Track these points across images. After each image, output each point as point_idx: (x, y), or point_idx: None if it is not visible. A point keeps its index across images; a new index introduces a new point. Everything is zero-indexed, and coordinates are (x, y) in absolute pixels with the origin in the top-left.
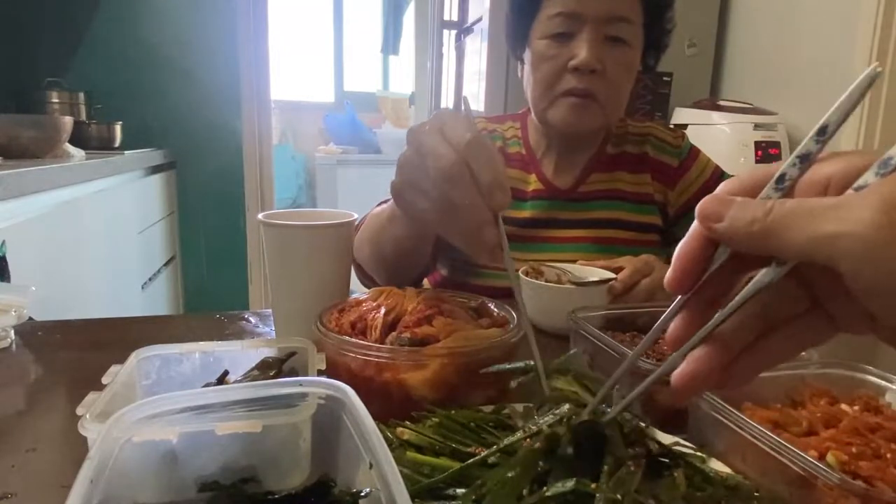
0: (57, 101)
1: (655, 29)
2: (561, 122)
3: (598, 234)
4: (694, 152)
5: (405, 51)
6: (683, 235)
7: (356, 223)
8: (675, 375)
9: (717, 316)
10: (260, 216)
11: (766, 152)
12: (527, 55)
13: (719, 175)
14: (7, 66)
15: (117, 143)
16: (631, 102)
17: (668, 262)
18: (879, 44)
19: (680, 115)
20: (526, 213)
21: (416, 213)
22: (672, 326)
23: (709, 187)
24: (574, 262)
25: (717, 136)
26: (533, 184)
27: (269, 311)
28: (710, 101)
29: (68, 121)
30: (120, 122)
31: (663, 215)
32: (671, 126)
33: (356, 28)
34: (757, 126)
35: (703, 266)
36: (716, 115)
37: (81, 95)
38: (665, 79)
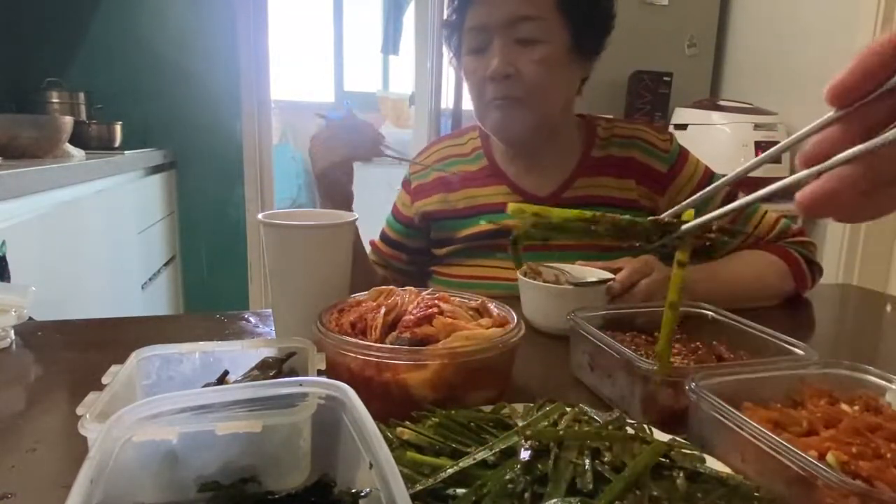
0: (57, 101)
1: (575, 13)
2: (494, 131)
3: (585, 240)
4: (683, 155)
5: (405, 51)
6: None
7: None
8: (806, 192)
9: (880, 138)
10: (260, 216)
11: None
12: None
13: (710, 176)
14: (7, 66)
15: (117, 143)
16: (631, 102)
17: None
18: None
19: (680, 115)
20: (500, 224)
21: (340, 171)
22: (813, 140)
23: (701, 190)
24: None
25: (717, 136)
26: (503, 195)
27: (269, 311)
28: (710, 101)
29: (68, 121)
30: (120, 122)
31: None
32: (663, 125)
33: (356, 28)
34: (757, 126)
35: (872, 84)
36: (716, 115)
37: (81, 95)
38: (665, 79)
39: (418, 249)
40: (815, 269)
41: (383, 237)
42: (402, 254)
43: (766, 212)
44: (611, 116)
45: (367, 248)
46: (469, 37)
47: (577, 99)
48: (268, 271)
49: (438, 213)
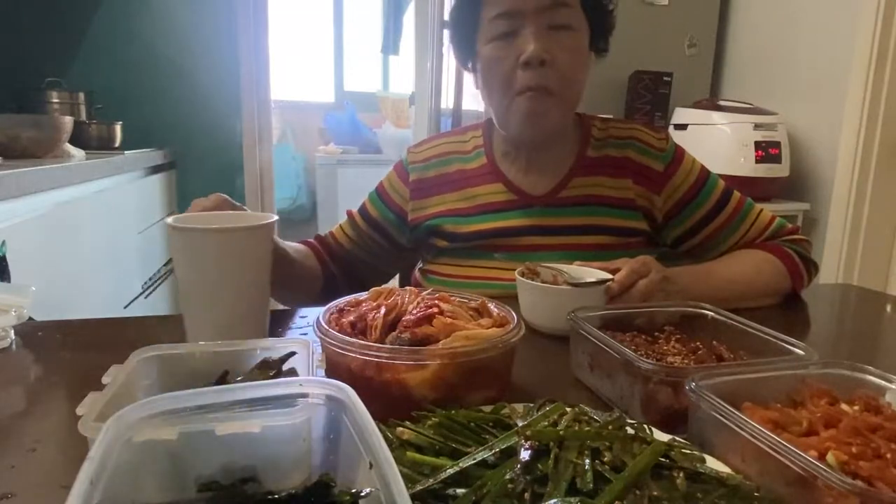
0: (57, 101)
1: (596, 10)
2: (521, 122)
3: (583, 240)
4: (679, 154)
5: (405, 51)
6: (675, 235)
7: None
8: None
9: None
10: (169, 220)
11: (766, 152)
12: (478, 65)
13: (706, 175)
14: (7, 66)
15: (117, 143)
16: (631, 102)
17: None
18: (879, 44)
19: (680, 115)
20: (498, 224)
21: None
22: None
23: (697, 189)
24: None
25: (717, 136)
26: (500, 194)
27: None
28: (710, 101)
29: (68, 121)
30: (120, 122)
31: (649, 220)
32: (663, 125)
33: (356, 28)
34: (757, 126)
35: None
36: (716, 115)
37: (81, 95)
38: (665, 79)
39: (399, 245)
40: (811, 266)
41: (364, 214)
42: (384, 241)
43: (760, 210)
44: (606, 116)
45: (344, 218)
46: (494, 24)
47: None
48: (177, 279)
49: (442, 218)
